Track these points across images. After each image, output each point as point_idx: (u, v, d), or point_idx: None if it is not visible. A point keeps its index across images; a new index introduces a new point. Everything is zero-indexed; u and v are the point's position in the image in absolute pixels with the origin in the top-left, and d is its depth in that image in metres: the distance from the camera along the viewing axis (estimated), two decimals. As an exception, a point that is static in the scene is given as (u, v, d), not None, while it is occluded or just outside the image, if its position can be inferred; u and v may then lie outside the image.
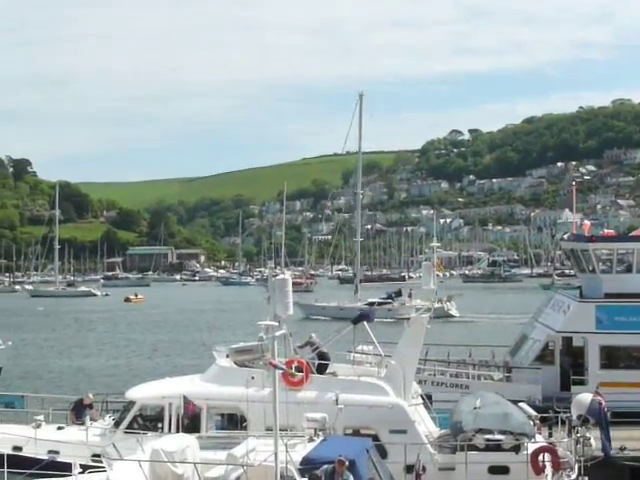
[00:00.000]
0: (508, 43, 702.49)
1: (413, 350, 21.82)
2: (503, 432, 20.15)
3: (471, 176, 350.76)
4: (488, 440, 20.01)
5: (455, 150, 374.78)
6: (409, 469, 18.40)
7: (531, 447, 19.79)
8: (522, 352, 32.21)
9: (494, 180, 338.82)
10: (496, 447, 19.96)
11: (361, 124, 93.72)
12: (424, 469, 17.71)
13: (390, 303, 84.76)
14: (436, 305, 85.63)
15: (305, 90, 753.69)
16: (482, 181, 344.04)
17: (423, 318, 21.67)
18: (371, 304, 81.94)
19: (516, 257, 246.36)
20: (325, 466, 15.47)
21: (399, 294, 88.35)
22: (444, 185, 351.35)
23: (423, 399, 22.71)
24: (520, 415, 21.04)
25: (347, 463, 15.47)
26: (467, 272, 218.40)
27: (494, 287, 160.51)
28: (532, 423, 21.08)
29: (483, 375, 31.12)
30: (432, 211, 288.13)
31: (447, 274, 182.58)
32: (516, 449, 19.91)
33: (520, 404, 22.53)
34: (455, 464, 19.76)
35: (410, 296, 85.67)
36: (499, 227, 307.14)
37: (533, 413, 21.91)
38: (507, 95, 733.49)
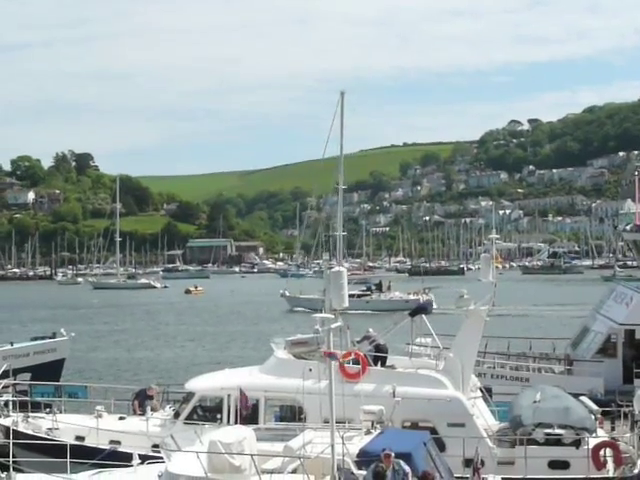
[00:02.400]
0: (570, 31, 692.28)
1: (472, 343, 21.65)
2: (563, 426, 19.89)
3: (531, 166, 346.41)
4: (548, 434, 19.77)
5: (514, 140, 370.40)
6: (467, 463, 18.25)
7: (592, 442, 19.52)
8: (584, 345, 31.75)
9: (554, 170, 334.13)
10: (556, 441, 19.71)
11: (342, 123, 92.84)
12: (483, 463, 17.55)
13: (369, 295, 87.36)
14: (411, 297, 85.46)
15: (362, 82, 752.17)
16: (542, 171, 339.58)
17: (482, 310, 21.44)
18: (351, 296, 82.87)
19: (577, 248, 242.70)
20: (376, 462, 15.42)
21: (379, 286, 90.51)
22: (503, 176, 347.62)
23: (482, 392, 22.53)
24: (581, 409, 20.74)
25: (393, 456, 15.39)
26: (527, 264, 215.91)
27: (554, 279, 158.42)
28: (593, 417, 20.77)
29: (544, 368, 30.76)
30: (491, 202, 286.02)
31: (506, 266, 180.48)
32: (577, 444, 19.64)
33: (581, 398, 22.22)
34: (514, 458, 19.58)
35: (389, 288, 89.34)
36: (559, 218, 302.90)
37: (594, 407, 21.58)
38: (568, 84, 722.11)
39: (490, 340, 30.32)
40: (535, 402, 20.66)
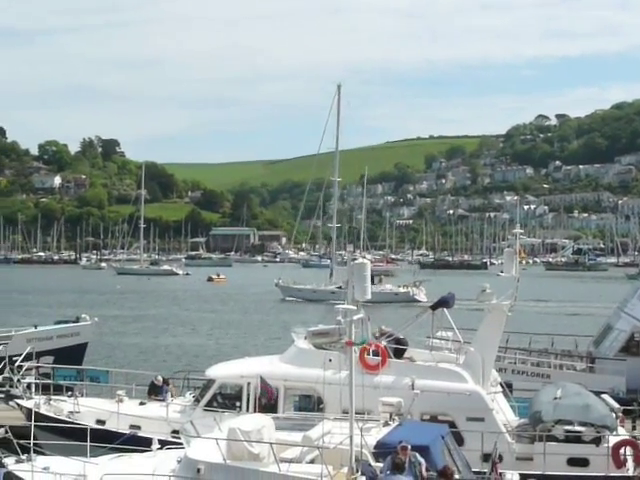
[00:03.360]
0: (600, 27, 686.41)
1: (493, 337, 21.57)
2: (584, 424, 19.78)
3: (557, 162, 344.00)
4: (568, 431, 19.67)
5: (541, 135, 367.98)
6: (486, 457, 18.22)
7: (612, 440, 19.40)
8: (606, 342, 31.56)
9: (581, 166, 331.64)
10: (576, 439, 19.61)
11: (339, 118, 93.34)
12: (501, 458, 17.51)
13: None
14: (402, 290, 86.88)
15: (390, 73, 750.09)
16: (568, 167, 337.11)
17: (504, 305, 21.36)
18: (341, 287, 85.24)
19: (602, 245, 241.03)
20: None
21: (371, 279, 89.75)
22: (529, 171, 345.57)
23: (503, 387, 22.46)
24: (602, 407, 20.63)
25: (409, 448, 15.40)
26: (550, 260, 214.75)
27: (578, 276, 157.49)
28: (614, 415, 20.64)
29: (565, 365, 30.60)
30: (516, 197, 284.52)
31: (530, 261, 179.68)
32: (597, 441, 19.52)
33: (603, 396, 22.10)
34: (533, 454, 19.51)
35: (381, 281, 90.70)
36: (585, 214, 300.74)
37: (616, 405, 21.46)
38: (597, 80, 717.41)
39: (512, 335, 30.21)
40: (556, 399, 20.57)
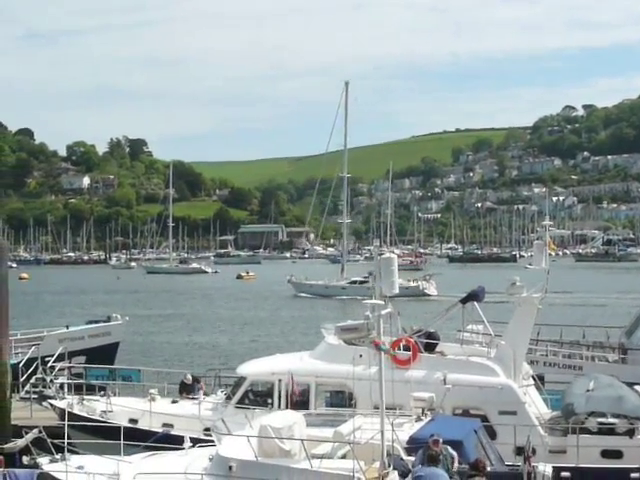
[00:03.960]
0: (626, 16, 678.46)
1: (524, 330, 21.45)
2: (617, 415, 19.64)
3: (585, 153, 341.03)
4: (601, 423, 19.53)
5: (569, 126, 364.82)
6: (519, 451, 18.13)
7: (646, 431, 19.23)
8: (638, 333, 31.20)
9: (609, 157, 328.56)
10: (609, 431, 19.47)
11: (347, 115, 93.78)
12: (534, 451, 17.42)
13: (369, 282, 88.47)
14: (412, 284, 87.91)
15: (415, 68, 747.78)
16: (597, 158, 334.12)
17: (534, 298, 21.23)
18: (353, 282, 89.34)
19: (632, 236, 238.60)
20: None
21: None
22: (557, 162, 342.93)
23: (535, 380, 22.34)
24: (635, 398, 20.45)
25: (441, 442, 15.36)
26: (580, 251, 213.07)
27: (608, 267, 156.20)
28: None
29: (597, 356, 30.34)
30: (544, 189, 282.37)
31: (559, 253, 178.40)
32: (630, 433, 19.38)
33: (635, 387, 21.89)
34: (566, 447, 19.38)
35: None
36: (614, 205, 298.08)
37: (649, 396, 21.25)
38: (624, 69, 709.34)
39: (543, 328, 30.01)
40: (588, 391, 20.43)
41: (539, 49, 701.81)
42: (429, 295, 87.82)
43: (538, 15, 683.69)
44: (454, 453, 15.51)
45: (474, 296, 22.71)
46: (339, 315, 64.47)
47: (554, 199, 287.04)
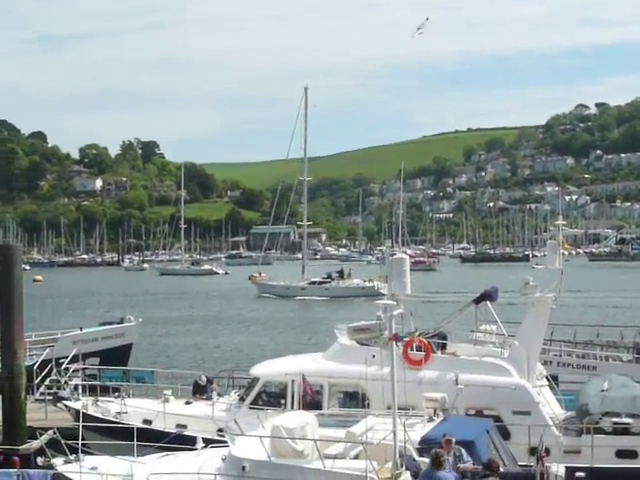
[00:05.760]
0: (637, 14, 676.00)
1: (537, 330, 21.38)
2: (632, 415, 19.55)
3: (598, 151, 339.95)
4: (616, 423, 19.46)
5: (581, 125, 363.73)
6: (533, 451, 18.08)
7: (661, 431, 19.14)
8: (653, 332, 31.11)
9: (622, 155, 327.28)
10: (624, 431, 19.39)
11: (306, 122, 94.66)
12: (548, 451, 17.36)
13: (329, 282, 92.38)
14: (367, 284, 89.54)
15: (426, 66, 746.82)
16: (610, 156, 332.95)
17: (548, 297, 21.17)
18: (312, 283, 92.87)
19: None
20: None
21: (341, 274, 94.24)
22: (569, 161, 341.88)
23: (548, 380, 22.28)
24: (650, 398, 20.35)
25: (454, 441, 15.31)
26: (593, 250, 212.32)
27: (622, 266, 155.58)
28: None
29: (611, 356, 30.23)
30: (557, 188, 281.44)
31: (572, 252, 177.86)
32: (645, 433, 19.29)
33: (650, 387, 21.79)
34: (581, 447, 19.30)
35: (349, 275, 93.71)
36: (627, 203, 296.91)
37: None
38: (637, 67, 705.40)
39: (556, 328, 29.93)
40: (602, 391, 20.37)
41: (551, 47, 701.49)
42: (384, 295, 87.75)
43: (549, 13, 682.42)
44: (465, 454, 15.49)
45: (487, 296, 22.66)
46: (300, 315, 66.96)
47: (567, 198, 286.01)
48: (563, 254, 22.52)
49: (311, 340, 50.44)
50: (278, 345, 49.06)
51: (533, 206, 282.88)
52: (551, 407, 21.07)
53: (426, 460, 15.31)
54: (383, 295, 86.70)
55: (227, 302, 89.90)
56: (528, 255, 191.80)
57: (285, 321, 68.42)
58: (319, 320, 65.04)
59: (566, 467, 17.39)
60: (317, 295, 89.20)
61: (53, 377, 27.18)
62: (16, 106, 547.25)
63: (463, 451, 15.46)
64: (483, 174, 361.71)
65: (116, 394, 24.27)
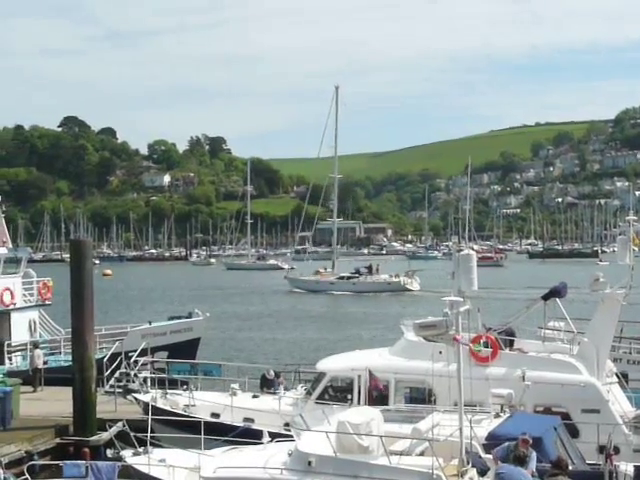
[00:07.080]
0: None
1: (607, 327, 21.04)
2: None
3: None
4: (687, 422, 19.06)
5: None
6: (602, 450, 17.80)
7: None
8: None
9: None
10: (697, 430, 18.98)
11: (337, 121, 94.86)
12: (617, 450, 17.06)
13: (357, 277, 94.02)
14: (394, 279, 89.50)
15: (493, 60, 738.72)
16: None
17: (618, 294, 20.82)
18: (341, 278, 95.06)
19: None
20: (507, 443, 15.23)
21: (370, 269, 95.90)
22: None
23: (618, 378, 21.90)
24: None
25: (531, 442, 15.15)
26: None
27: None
28: None
29: (682, 354, 29.58)
30: (627, 183, 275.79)
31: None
32: None
33: None
34: (651, 446, 18.97)
35: (377, 271, 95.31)
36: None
37: None
38: None
39: (626, 325, 29.40)
40: (674, 389, 19.96)
41: (621, 40, 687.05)
42: (411, 290, 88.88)
43: (620, 5, 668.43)
44: (533, 452, 15.32)
45: (556, 292, 22.35)
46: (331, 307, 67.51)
47: (637, 193, 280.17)
48: (634, 250, 22.11)
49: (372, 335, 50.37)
50: (344, 341, 49.03)
51: (602, 201, 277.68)
52: (621, 405, 20.72)
53: (491, 456, 15.21)
54: (409, 290, 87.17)
55: (291, 297, 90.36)
56: (597, 251, 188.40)
57: (345, 316, 68.47)
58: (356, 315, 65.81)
59: (635, 466, 17.08)
60: (345, 290, 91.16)
61: (122, 370, 27.62)
62: (86, 102, 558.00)
63: (530, 449, 15.29)
64: (551, 169, 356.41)
65: (184, 387, 24.57)
